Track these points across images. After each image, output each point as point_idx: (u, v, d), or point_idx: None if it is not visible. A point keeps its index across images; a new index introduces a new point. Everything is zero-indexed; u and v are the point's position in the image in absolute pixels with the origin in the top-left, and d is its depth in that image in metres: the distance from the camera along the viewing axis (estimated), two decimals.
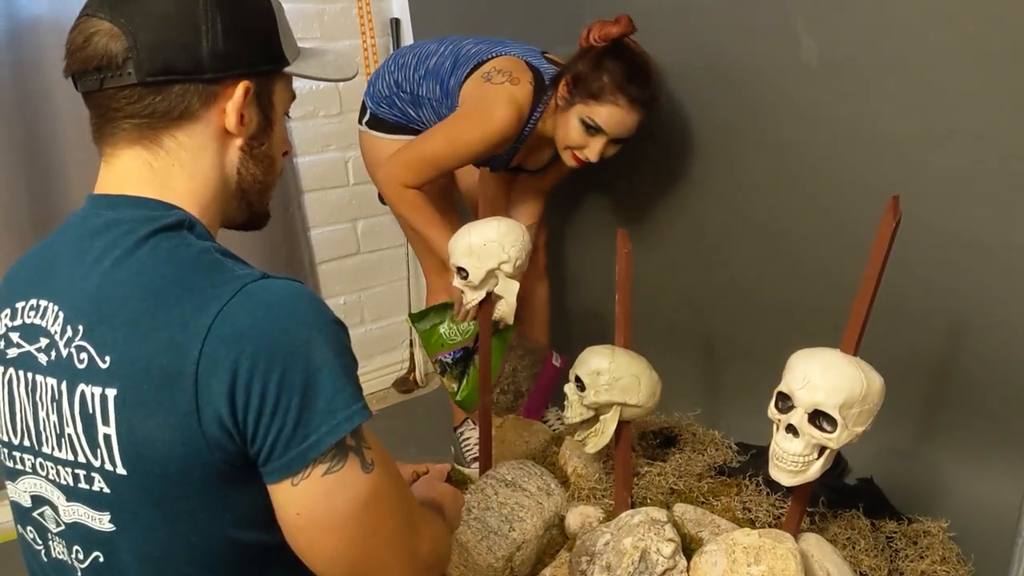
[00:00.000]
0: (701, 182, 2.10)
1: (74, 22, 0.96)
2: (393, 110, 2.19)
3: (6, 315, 0.96)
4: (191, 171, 0.97)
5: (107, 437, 0.86)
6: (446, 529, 1.13)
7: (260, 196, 1.06)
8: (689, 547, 1.54)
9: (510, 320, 1.92)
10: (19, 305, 0.95)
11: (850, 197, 1.81)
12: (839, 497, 1.71)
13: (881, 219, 1.36)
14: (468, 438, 2.36)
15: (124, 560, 0.91)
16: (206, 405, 0.83)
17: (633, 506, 1.69)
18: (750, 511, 1.66)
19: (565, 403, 1.71)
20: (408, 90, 2.15)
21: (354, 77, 1.15)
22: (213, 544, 0.90)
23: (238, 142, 1.00)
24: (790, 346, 1.45)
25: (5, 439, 0.96)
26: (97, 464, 0.87)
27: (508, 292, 1.87)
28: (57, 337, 0.89)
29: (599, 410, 1.66)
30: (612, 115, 1.89)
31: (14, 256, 2.18)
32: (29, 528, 0.98)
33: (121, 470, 0.86)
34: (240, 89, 0.96)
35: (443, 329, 2.17)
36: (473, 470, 2.06)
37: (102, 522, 0.90)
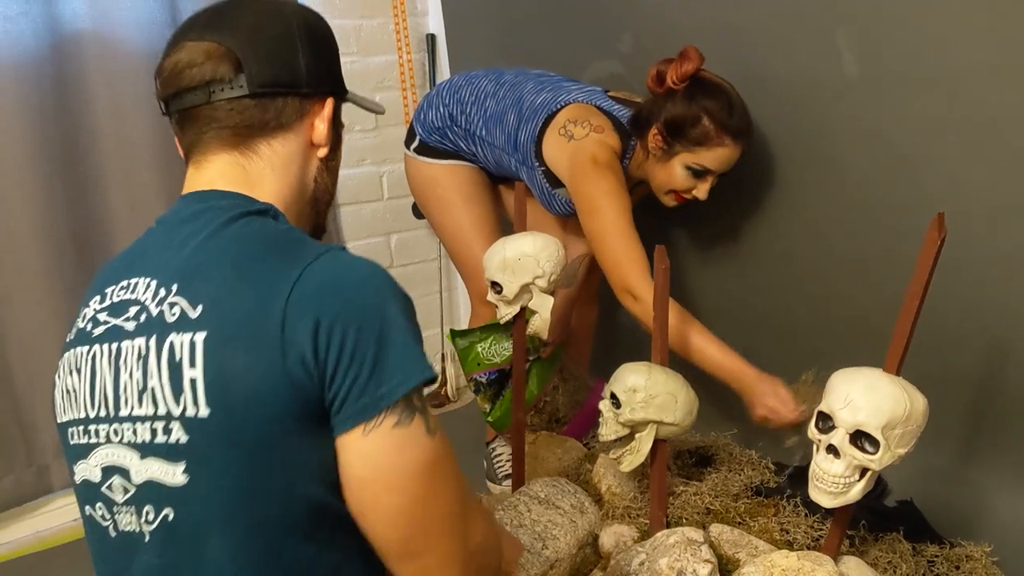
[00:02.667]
0: (740, 198, 2.09)
1: (171, 47, 1.06)
2: (445, 141, 2.20)
3: (95, 301, 1.03)
4: (280, 175, 1.07)
5: (193, 381, 0.91)
6: (498, 541, 1.14)
7: (326, 207, 1.17)
8: (726, 568, 1.51)
9: (544, 335, 1.90)
10: (108, 289, 1.02)
11: (892, 213, 1.79)
12: (879, 520, 1.67)
13: (926, 236, 1.34)
14: (500, 454, 2.35)
15: (194, 513, 0.93)
16: (291, 347, 0.89)
17: (668, 526, 1.67)
18: (788, 533, 1.64)
19: (600, 420, 1.69)
20: (462, 125, 2.14)
21: (383, 112, 1.34)
22: (283, 497, 0.93)
23: (320, 153, 1.11)
24: (832, 366, 1.42)
25: (82, 415, 1.00)
26: (178, 412, 0.92)
27: (542, 307, 1.85)
28: (148, 301, 0.97)
29: (634, 428, 1.64)
30: (720, 156, 1.88)
31: (52, 267, 2.23)
32: (98, 505, 1.00)
33: (204, 411, 0.91)
34: (328, 105, 1.10)
35: (480, 348, 2.16)
36: (505, 487, 2.05)
37: (175, 475, 0.93)
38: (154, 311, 0.95)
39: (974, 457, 1.86)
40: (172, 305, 0.94)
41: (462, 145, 2.18)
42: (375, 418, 0.91)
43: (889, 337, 1.37)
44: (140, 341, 0.95)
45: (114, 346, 0.97)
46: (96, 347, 0.99)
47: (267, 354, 0.89)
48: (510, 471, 2.09)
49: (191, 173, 1.07)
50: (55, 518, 2.36)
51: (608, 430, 1.66)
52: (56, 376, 1.06)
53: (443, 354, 3.12)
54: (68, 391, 1.03)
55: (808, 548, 1.57)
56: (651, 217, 2.31)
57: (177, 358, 0.92)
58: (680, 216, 2.24)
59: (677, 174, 1.91)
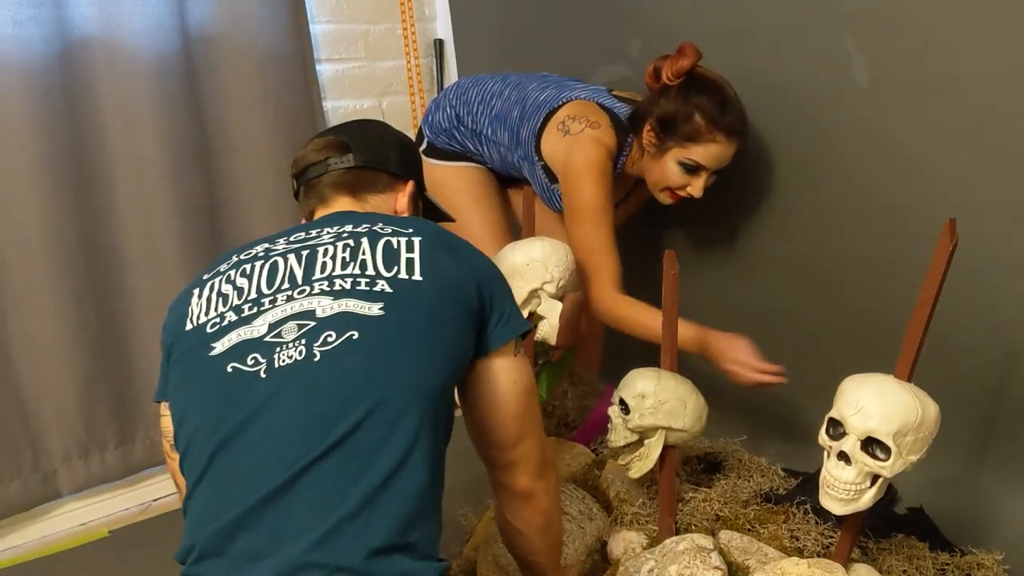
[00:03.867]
0: (750, 203, 2.08)
1: (302, 150, 1.46)
2: (452, 142, 2.20)
3: (260, 245, 1.29)
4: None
5: (410, 260, 1.21)
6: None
7: None
8: (735, 575, 1.50)
9: (552, 340, 1.89)
10: (278, 240, 1.29)
11: (903, 219, 1.78)
12: (888, 527, 1.66)
13: (937, 242, 1.33)
14: None
15: (381, 335, 1.13)
16: (473, 273, 1.26)
17: (677, 532, 1.66)
18: (798, 540, 1.62)
19: (609, 426, 1.68)
20: (469, 125, 2.15)
21: (453, 221, 1.70)
22: (445, 356, 1.18)
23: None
24: (840, 371, 1.42)
25: (252, 297, 1.20)
26: (389, 274, 1.19)
27: (551, 312, 1.85)
28: (347, 231, 1.26)
29: (643, 434, 1.64)
30: (712, 152, 1.87)
31: (62, 273, 2.23)
32: (252, 356, 1.13)
33: (417, 277, 1.19)
34: (411, 186, 1.48)
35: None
36: None
37: (371, 309, 1.15)
38: (360, 230, 1.25)
39: (985, 464, 1.85)
40: (382, 227, 1.25)
41: (469, 146, 2.18)
42: (518, 342, 1.29)
43: (900, 343, 1.37)
44: (345, 242, 1.23)
45: (305, 252, 1.23)
46: (278, 256, 1.23)
47: (462, 268, 1.25)
48: None
49: (319, 211, 1.42)
50: (61, 523, 2.35)
51: (617, 436, 1.65)
52: (190, 297, 1.25)
53: None
54: (223, 293, 1.22)
55: (818, 555, 1.56)
56: (660, 220, 2.30)
57: (395, 246, 1.22)
58: (688, 220, 2.23)
59: (670, 170, 1.91)
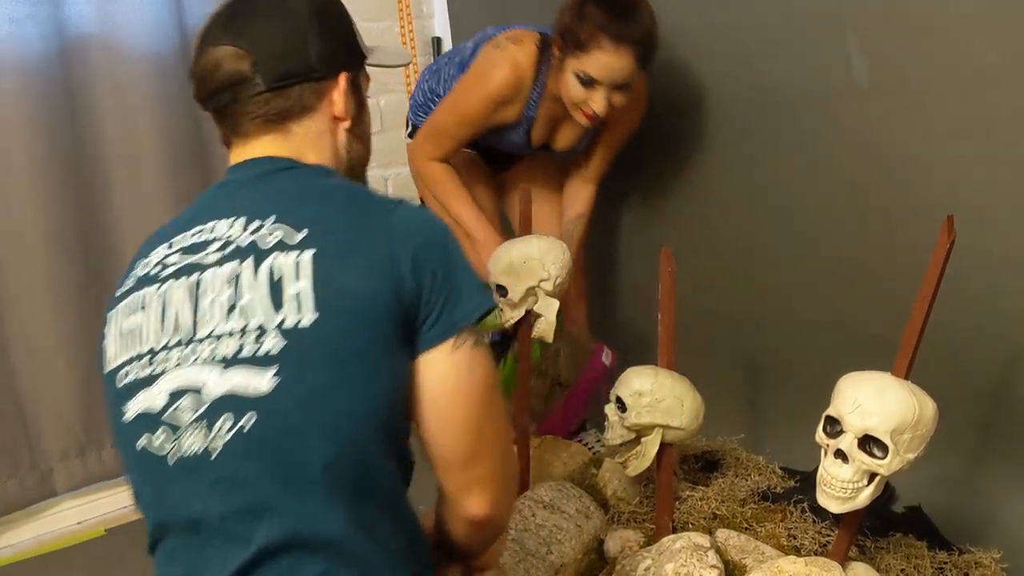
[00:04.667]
0: (749, 201, 2.08)
1: (197, 53, 1.16)
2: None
3: (159, 251, 1.10)
4: (317, 149, 1.17)
5: (298, 293, 0.98)
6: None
7: (362, 171, 1.27)
8: (733, 574, 1.50)
9: (549, 338, 1.89)
10: (176, 238, 1.10)
11: (902, 217, 1.78)
12: (886, 525, 1.66)
13: (936, 240, 1.33)
14: None
15: (281, 414, 0.96)
16: (397, 262, 1.00)
17: (675, 531, 1.66)
18: (795, 538, 1.62)
19: (605, 424, 1.68)
20: (442, 93, 2.17)
21: (410, 63, 1.37)
22: (367, 402, 0.99)
23: (345, 125, 1.19)
24: (838, 369, 1.41)
25: (146, 348, 1.04)
26: (276, 322, 0.98)
27: (548, 310, 1.84)
28: (235, 235, 1.05)
29: (640, 432, 1.63)
30: (601, 62, 1.85)
31: (61, 273, 2.23)
32: (159, 432, 1.01)
33: (311, 316, 0.97)
34: (343, 81, 1.18)
35: None
36: None
37: (263, 380, 0.97)
38: (245, 241, 1.03)
39: (983, 462, 1.85)
40: (270, 233, 1.03)
41: None
42: (461, 334, 1.03)
43: (898, 341, 1.36)
44: (229, 266, 1.02)
45: (193, 278, 1.04)
46: (169, 283, 1.05)
47: (376, 265, 1.00)
48: None
49: (236, 152, 1.17)
50: (57, 522, 2.35)
51: (614, 434, 1.65)
52: (106, 328, 1.11)
53: None
54: (128, 332, 1.07)
55: (816, 554, 1.56)
56: (659, 218, 2.30)
57: (277, 276, 1.00)
58: (686, 218, 2.23)
59: (570, 84, 1.91)
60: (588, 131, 2.10)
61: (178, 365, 1.01)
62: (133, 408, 1.03)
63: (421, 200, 2.42)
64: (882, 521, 1.66)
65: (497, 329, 2.11)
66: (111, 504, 2.41)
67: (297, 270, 0.99)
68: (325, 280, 0.98)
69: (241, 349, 0.98)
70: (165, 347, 1.02)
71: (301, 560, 0.96)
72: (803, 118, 1.90)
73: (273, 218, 1.04)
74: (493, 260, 1.87)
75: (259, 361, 0.97)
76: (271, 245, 1.01)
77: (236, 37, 1.13)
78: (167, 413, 1.00)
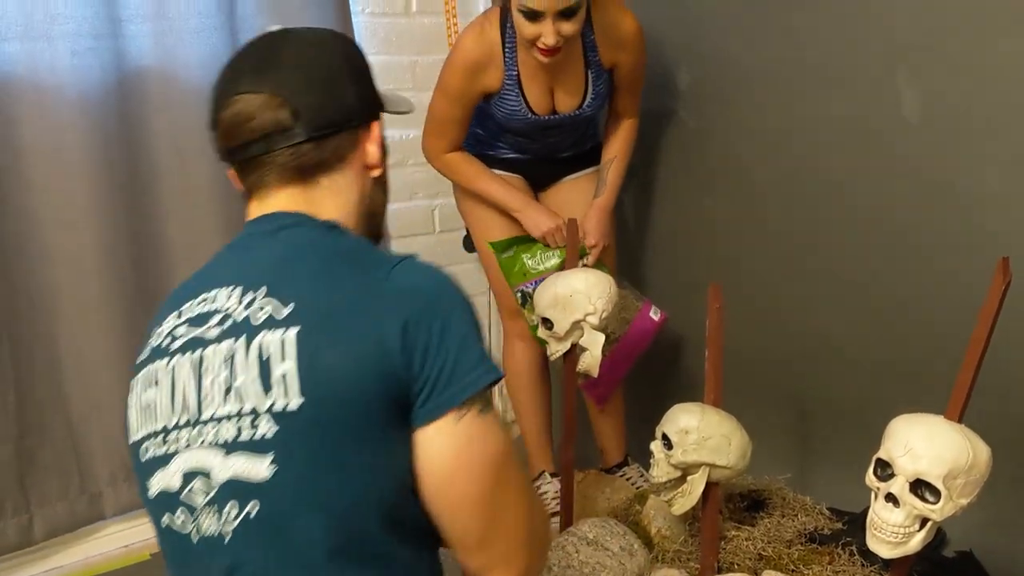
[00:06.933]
0: (800, 238, 2.06)
1: (221, 101, 1.10)
2: (478, 147, 2.26)
3: (171, 319, 1.08)
4: (340, 201, 1.12)
5: (284, 375, 0.95)
6: (549, 522, 1.22)
7: (382, 217, 1.22)
8: None
9: (595, 373, 1.89)
10: (185, 306, 1.07)
11: (955, 256, 1.75)
12: (936, 571, 1.62)
13: (991, 281, 1.31)
14: (545, 492, 2.32)
15: (282, 502, 0.95)
16: (383, 340, 0.95)
17: (719, 571, 1.63)
18: None
19: (651, 461, 1.67)
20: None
21: (413, 110, 1.32)
22: (367, 485, 0.96)
23: (375, 174, 1.16)
24: (887, 409, 1.39)
25: (161, 427, 1.03)
26: (267, 405, 0.95)
27: (593, 344, 1.84)
28: (232, 308, 1.01)
29: (686, 470, 1.62)
30: None
31: (116, 297, 2.26)
32: (179, 512, 1.01)
33: (296, 401, 0.94)
34: (376, 129, 1.15)
35: (526, 257, 2.18)
36: (553, 526, 2.03)
37: (262, 468, 0.95)
38: (240, 316, 1.00)
39: None
40: (261, 307, 0.99)
41: (479, 132, 2.26)
42: (464, 406, 0.96)
43: (951, 381, 1.34)
44: (226, 344, 0.99)
45: (196, 354, 1.01)
46: (176, 358, 1.03)
47: (360, 345, 0.95)
48: (555, 509, 2.07)
49: (255, 206, 1.12)
50: (105, 544, 2.37)
51: (660, 472, 1.64)
52: (130, 397, 1.10)
53: None
54: (145, 407, 1.06)
55: None
56: (710, 256, 2.29)
57: (266, 356, 0.96)
58: (738, 255, 2.21)
59: (518, 22, 1.94)
60: (587, 85, 2.11)
61: (188, 446, 1.00)
62: (154, 486, 1.03)
63: (466, 241, 2.46)
64: (932, 566, 1.62)
65: (542, 275, 2.11)
66: None
67: (283, 349, 0.96)
68: (309, 362, 0.95)
69: (240, 433, 0.96)
70: (176, 426, 1.01)
71: None
72: (854, 155, 1.89)
73: (264, 291, 1.00)
74: (539, 293, 1.87)
75: (257, 446, 0.95)
76: (261, 321, 0.98)
77: (274, 85, 1.08)
78: (183, 494, 1.00)
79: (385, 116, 1.21)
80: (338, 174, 1.12)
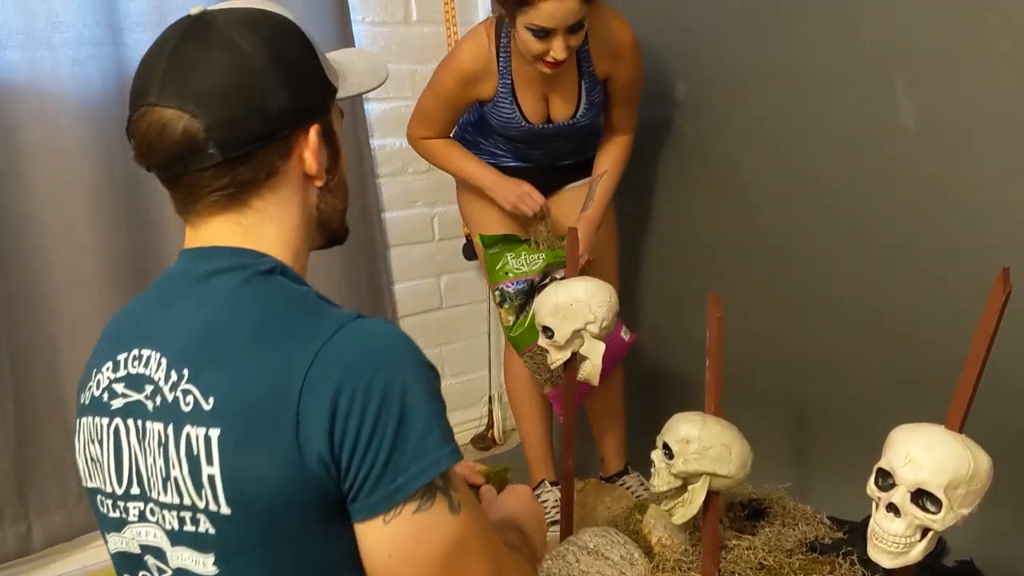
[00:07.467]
0: (798, 247, 2.07)
1: (132, 111, 0.98)
2: (470, 149, 2.27)
3: (108, 368, 1.00)
4: (280, 222, 1.01)
5: (211, 477, 0.88)
6: (533, 562, 1.12)
7: (340, 221, 1.10)
8: None
9: (595, 381, 1.89)
10: (120, 357, 0.98)
11: (955, 266, 1.76)
12: None
13: (991, 291, 1.31)
14: (545, 501, 2.32)
15: None
16: (307, 442, 0.85)
17: None
18: None
19: (652, 471, 1.67)
20: (471, 120, 2.25)
21: (386, 78, 1.15)
22: None
23: (318, 183, 1.03)
24: (887, 418, 1.39)
25: (109, 490, 0.98)
26: (202, 505, 0.89)
27: (593, 353, 1.84)
28: (161, 383, 0.92)
29: (687, 479, 1.62)
30: (547, 11, 1.86)
31: (115, 304, 2.26)
32: (142, 574, 0.99)
33: (225, 509, 0.88)
34: (313, 133, 1.00)
35: (510, 257, 2.17)
36: (552, 535, 2.03)
37: (206, 565, 0.91)
38: (169, 396, 0.92)
39: None
40: (186, 392, 0.90)
41: (481, 140, 2.27)
42: (392, 510, 0.87)
43: (951, 390, 1.34)
44: (159, 426, 0.92)
45: (139, 423, 0.94)
46: (118, 421, 0.97)
47: (282, 451, 0.86)
48: (555, 518, 2.07)
49: (190, 232, 1.03)
50: (103, 553, 2.33)
51: (660, 481, 1.63)
52: (76, 438, 1.04)
53: (490, 396, 3.10)
54: (92, 459, 1.01)
55: None
56: (710, 265, 2.29)
57: (195, 452, 0.89)
58: (738, 264, 2.21)
59: (526, 39, 1.93)
60: (580, 95, 2.12)
61: (140, 519, 0.96)
62: (112, 543, 1.01)
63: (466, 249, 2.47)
64: (933, 575, 1.62)
65: (523, 277, 2.11)
66: None
67: (208, 451, 0.88)
68: (232, 473, 0.87)
69: (183, 524, 0.91)
70: (126, 495, 0.97)
71: None
72: (853, 164, 1.90)
73: (187, 374, 0.91)
74: (539, 301, 1.87)
75: (199, 543, 0.91)
76: (187, 411, 0.89)
77: (181, 97, 0.93)
78: (142, 562, 0.98)
79: (375, 92, 1.12)
80: (271, 192, 0.99)
